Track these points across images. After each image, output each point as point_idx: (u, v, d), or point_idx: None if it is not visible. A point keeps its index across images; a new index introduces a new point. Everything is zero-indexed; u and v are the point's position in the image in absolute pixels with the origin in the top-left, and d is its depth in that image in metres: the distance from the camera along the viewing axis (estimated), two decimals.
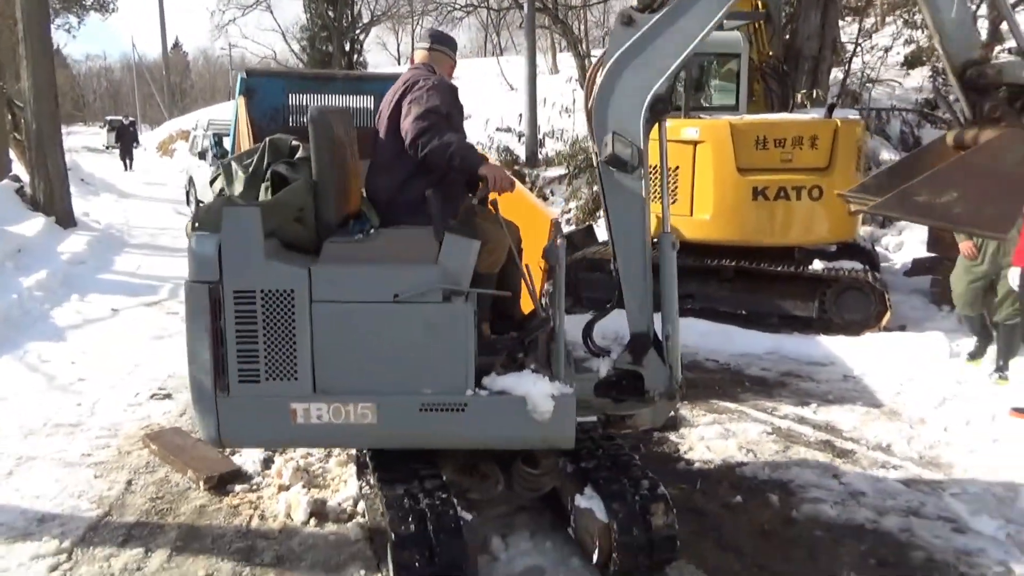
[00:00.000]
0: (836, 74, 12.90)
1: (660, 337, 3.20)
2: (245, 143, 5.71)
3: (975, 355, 5.78)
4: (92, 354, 6.54)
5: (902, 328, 6.95)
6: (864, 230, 10.13)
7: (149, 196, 19.35)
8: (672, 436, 4.64)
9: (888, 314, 6.94)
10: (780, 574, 3.18)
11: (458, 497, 3.20)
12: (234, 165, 3.28)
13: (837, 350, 6.38)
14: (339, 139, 3.21)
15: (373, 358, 3.00)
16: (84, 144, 35.29)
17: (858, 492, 3.86)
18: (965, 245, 5.64)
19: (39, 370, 6.11)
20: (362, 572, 3.21)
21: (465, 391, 2.97)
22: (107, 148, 35.09)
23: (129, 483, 4.09)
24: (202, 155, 15.41)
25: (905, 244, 9.73)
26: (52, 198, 11.64)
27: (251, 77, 6.43)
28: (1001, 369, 5.39)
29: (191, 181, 16.52)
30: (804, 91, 10.41)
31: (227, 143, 11.83)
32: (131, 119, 31.91)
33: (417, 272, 2.94)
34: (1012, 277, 4.96)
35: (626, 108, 2.98)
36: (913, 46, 15.67)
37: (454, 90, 3.30)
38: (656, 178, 3.36)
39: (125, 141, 26.42)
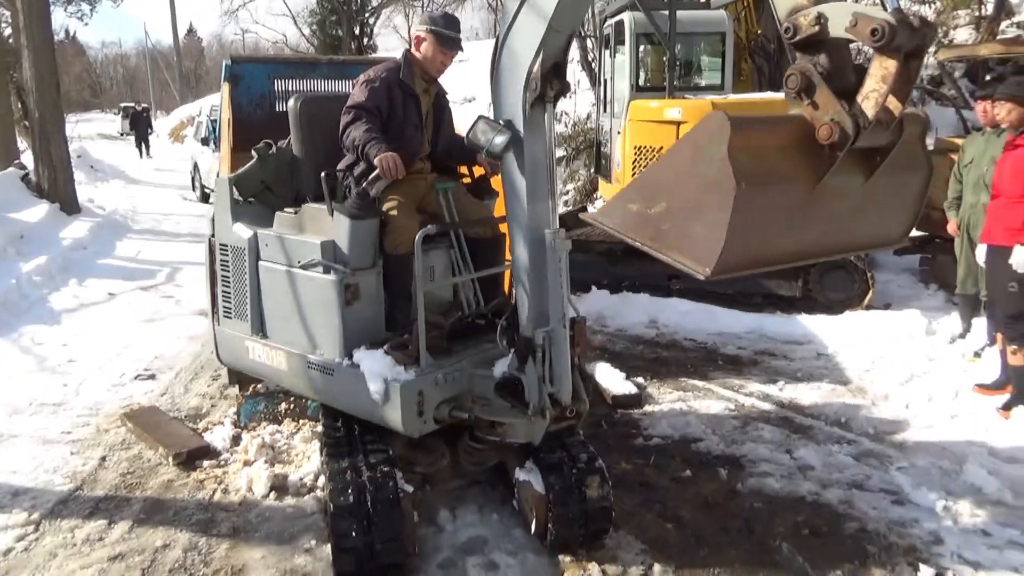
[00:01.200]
0: None
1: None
2: (226, 129, 5.83)
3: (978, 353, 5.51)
4: (84, 337, 6.72)
5: (887, 306, 6.96)
6: None
7: (158, 182, 19.60)
8: (635, 413, 4.73)
9: (871, 293, 6.95)
10: (715, 544, 3.26)
11: (406, 471, 3.30)
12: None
13: (816, 329, 6.41)
14: (318, 123, 3.63)
15: (287, 314, 3.49)
16: (99, 131, 35.71)
17: (807, 466, 3.93)
18: (951, 225, 5.67)
19: (31, 352, 6.29)
20: (313, 543, 3.34)
21: (335, 358, 3.26)
22: (122, 135, 35.48)
23: (103, 459, 4.25)
24: (205, 141, 15.58)
25: None
26: (56, 185, 11.86)
27: (236, 63, 6.51)
28: (962, 336, 5.44)
29: (196, 167, 16.72)
30: None
31: None
32: (144, 105, 31.72)
33: (310, 245, 3.30)
34: (979, 254, 4.97)
35: (507, 90, 2.78)
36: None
37: (385, 85, 3.42)
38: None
39: (140, 128, 26.28)
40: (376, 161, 3.22)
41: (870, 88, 1.95)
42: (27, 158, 12.97)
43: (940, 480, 3.73)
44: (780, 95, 7.40)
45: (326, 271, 3.24)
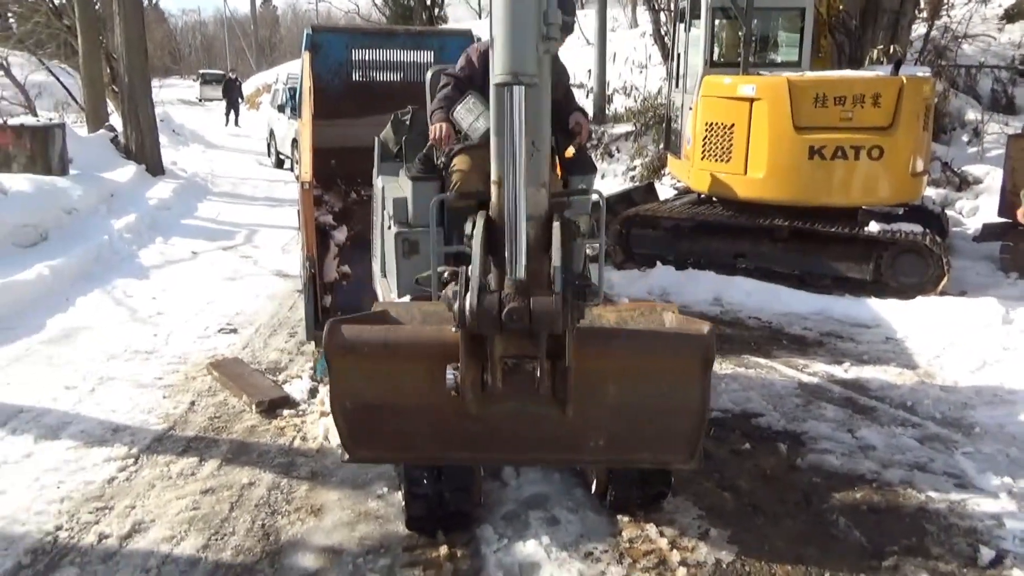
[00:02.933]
0: (921, 29, 12.25)
1: None
2: (307, 97, 6.06)
3: None
4: (171, 291, 7.13)
5: (962, 294, 6.78)
6: (938, 192, 9.75)
7: (235, 147, 20.29)
8: None
9: (946, 279, 6.78)
10: (772, 515, 3.33)
11: None
12: None
13: (885, 313, 6.31)
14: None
15: (389, 257, 3.91)
16: (178, 97, 36.93)
17: (868, 446, 3.94)
18: (1021, 211, 5.50)
19: (123, 304, 6.72)
20: (385, 489, 3.55)
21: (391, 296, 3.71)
22: (200, 100, 36.62)
23: (192, 404, 4.56)
24: (281, 108, 16.00)
25: (980, 208, 9.33)
26: (143, 147, 12.45)
27: (316, 33, 6.76)
28: None
29: (272, 133, 17.22)
30: (881, 47, 9.98)
31: None
32: (235, 73, 31.74)
33: (391, 200, 3.78)
34: None
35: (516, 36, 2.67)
36: None
37: (483, 58, 3.50)
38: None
39: (231, 96, 26.04)
40: (431, 129, 3.46)
41: (497, 352, 1.77)
42: (115, 121, 13.62)
43: (1007, 467, 3.70)
44: (860, 72, 7.26)
45: (391, 225, 3.65)
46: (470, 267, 1.62)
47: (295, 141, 14.97)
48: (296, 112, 14.56)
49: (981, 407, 4.45)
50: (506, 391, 1.66)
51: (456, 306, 1.58)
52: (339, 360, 1.75)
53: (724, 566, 2.96)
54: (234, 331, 6.01)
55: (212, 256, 8.74)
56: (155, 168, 12.54)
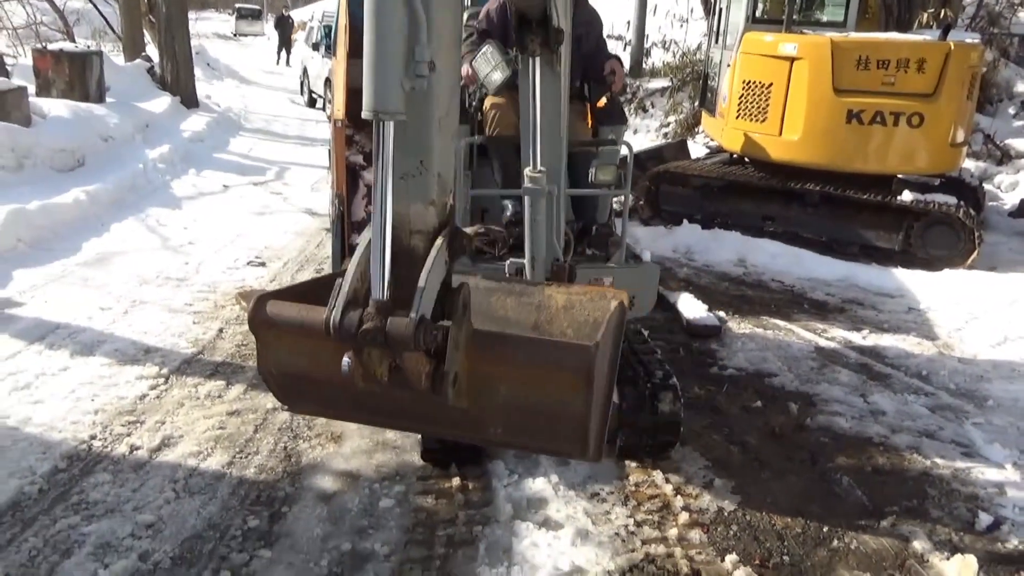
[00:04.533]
0: None
1: None
2: (342, 35, 6.05)
3: None
4: (202, 222, 7.28)
5: (992, 269, 6.69)
6: (977, 165, 9.55)
7: (268, 84, 20.29)
8: (713, 344, 4.84)
9: (976, 253, 6.69)
10: (777, 470, 3.41)
11: None
12: None
13: (911, 283, 6.27)
14: None
15: None
16: (214, 30, 36.80)
17: (879, 411, 3.98)
18: None
19: (156, 232, 6.88)
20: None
21: None
22: (235, 36, 36.45)
23: (220, 331, 4.71)
24: (315, 47, 15.92)
25: (1020, 184, 9.14)
26: (178, 79, 12.51)
27: None
28: None
29: (305, 71, 17.18)
30: (931, 11, 9.66)
31: None
32: (287, 10, 30.60)
33: None
34: None
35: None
36: None
37: (503, 10, 3.57)
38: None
39: (284, 33, 25.22)
40: (462, 70, 3.45)
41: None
42: (150, 52, 13.67)
43: (1016, 439, 3.73)
44: (906, 36, 7.06)
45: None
46: (343, 279, 1.70)
47: (328, 80, 14.92)
48: (331, 50, 14.55)
49: (997, 380, 4.46)
50: (391, 384, 1.75)
51: (323, 315, 1.68)
52: (262, 332, 1.88)
53: (726, 514, 3.05)
54: (262, 264, 6.15)
55: (243, 190, 8.87)
56: (189, 101, 12.62)
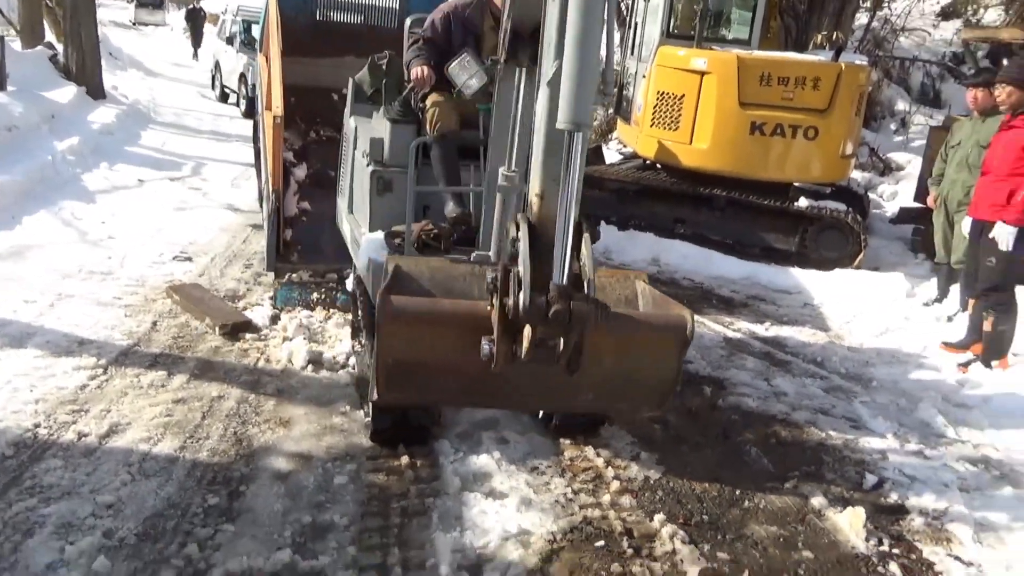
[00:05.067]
0: (864, 18, 12.87)
1: None
2: (274, 33, 6.11)
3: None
4: (120, 217, 7.12)
5: (876, 269, 7.40)
6: (863, 176, 10.44)
7: (175, 76, 19.61)
8: None
9: (862, 255, 7.40)
10: (694, 444, 3.78)
11: None
12: None
13: (806, 282, 6.87)
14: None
15: (358, 196, 4.07)
16: (111, 18, 35.02)
17: (781, 392, 4.44)
18: (930, 198, 6.13)
19: (72, 225, 6.70)
20: (347, 408, 3.84)
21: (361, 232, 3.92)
22: (134, 24, 34.82)
23: (154, 324, 4.71)
24: (230, 40, 15.59)
25: (900, 193, 10.05)
26: (84, 69, 12.01)
27: None
28: (938, 301, 5.95)
29: (217, 66, 16.75)
30: (825, 33, 10.50)
31: (256, 30, 12.04)
32: (198, 2, 28.84)
33: (368, 140, 3.89)
34: (964, 226, 5.39)
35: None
36: None
37: (447, 21, 3.84)
38: None
39: (196, 26, 24.03)
40: (412, 72, 3.71)
41: (526, 332, 2.06)
42: (49, 39, 13.03)
43: (896, 414, 4.25)
44: (803, 56, 7.70)
45: (369, 163, 3.80)
46: (520, 268, 1.98)
47: (243, 75, 14.65)
48: (250, 46, 14.27)
49: (880, 365, 5.02)
50: (530, 360, 2.06)
51: (510, 301, 1.98)
52: (389, 324, 2.11)
53: (651, 482, 3.38)
54: (189, 259, 6.11)
55: (159, 185, 8.68)
56: (96, 91, 12.13)
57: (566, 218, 1.97)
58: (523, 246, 2.00)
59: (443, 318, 2.19)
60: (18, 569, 2.50)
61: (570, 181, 1.95)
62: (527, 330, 2.04)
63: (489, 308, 2.12)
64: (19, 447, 3.21)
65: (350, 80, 4.54)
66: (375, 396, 2.37)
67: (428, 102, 3.83)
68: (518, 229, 2.07)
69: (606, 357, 2.18)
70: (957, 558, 3.00)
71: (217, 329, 4.63)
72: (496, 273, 2.08)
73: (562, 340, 2.02)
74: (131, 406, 3.64)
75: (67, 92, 11.24)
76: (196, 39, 24.03)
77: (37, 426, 3.38)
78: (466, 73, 3.02)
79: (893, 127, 12.31)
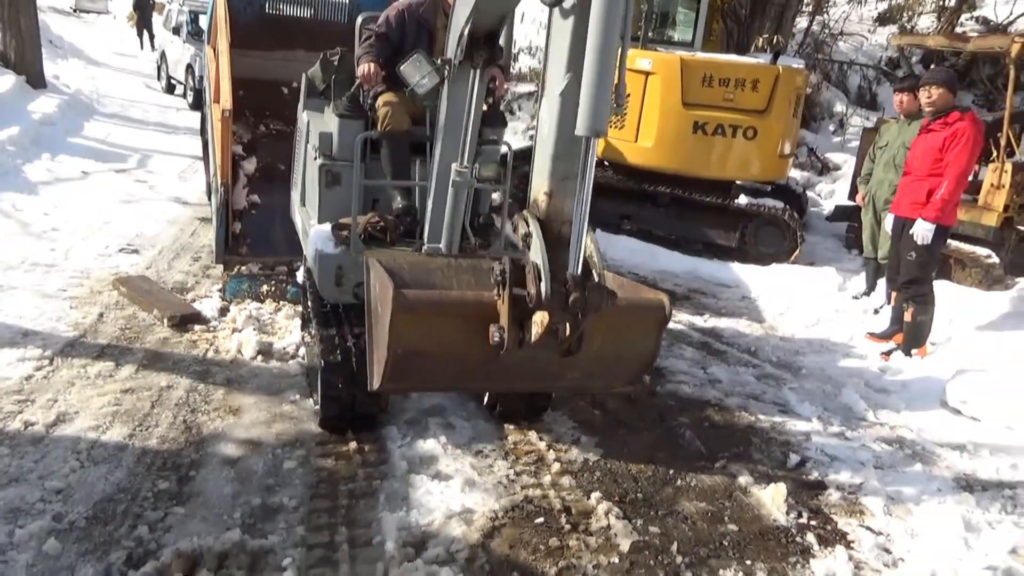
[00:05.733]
0: (804, 23, 13.32)
1: None
2: (222, 25, 6.10)
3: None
4: (63, 209, 7.01)
5: (811, 264, 7.73)
6: (801, 175, 10.85)
7: (119, 66, 19.11)
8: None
9: (798, 251, 7.73)
10: (633, 427, 3.97)
11: None
12: None
13: (744, 276, 7.16)
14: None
15: (309, 188, 4.12)
16: (49, 4, 33.85)
17: (716, 380, 4.67)
18: (859, 196, 6.47)
19: (13, 217, 6.58)
20: (297, 397, 3.92)
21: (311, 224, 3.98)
22: (75, 12, 33.72)
23: (101, 315, 4.70)
24: (176, 31, 15.30)
25: (836, 192, 10.48)
26: (23, 57, 11.67)
27: None
28: (866, 294, 6.29)
29: (163, 56, 16.42)
30: (766, 36, 10.86)
31: (203, 21, 11.87)
32: None
33: (317, 134, 3.96)
34: (887, 223, 5.71)
35: (452, 35, 3.04)
36: (887, 2, 16.08)
37: (401, 17, 3.92)
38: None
39: (145, 15, 22.83)
40: (360, 69, 3.81)
41: (536, 320, 2.21)
42: None
43: (821, 399, 4.51)
44: (743, 58, 7.99)
45: (317, 157, 3.89)
46: (538, 261, 2.14)
47: (189, 67, 14.41)
48: (195, 36, 14.05)
49: (810, 354, 5.30)
50: (536, 345, 2.22)
51: (532, 290, 2.14)
52: (401, 316, 2.23)
53: (591, 463, 3.56)
54: (135, 252, 6.07)
55: (104, 177, 8.54)
56: (36, 80, 11.80)
57: (582, 214, 2.12)
58: (538, 240, 2.15)
59: (452, 309, 2.35)
60: None
61: (586, 181, 2.09)
62: (538, 317, 2.20)
63: (496, 298, 2.27)
64: None
65: (303, 75, 4.59)
66: (375, 385, 2.46)
67: (380, 101, 3.91)
68: (527, 225, 2.20)
69: (596, 339, 2.34)
70: (868, 528, 3.25)
71: (166, 320, 4.65)
72: (503, 265, 2.23)
73: (568, 325, 2.17)
74: (78, 396, 3.67)
75: (5, 81, 10.92)
76: (147, 28, 23.20)
77: None
78: (419, 73, 3.14)
79: (831, 128, 12.80)
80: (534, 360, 2.39)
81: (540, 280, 2.12)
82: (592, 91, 1.97)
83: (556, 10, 2.12)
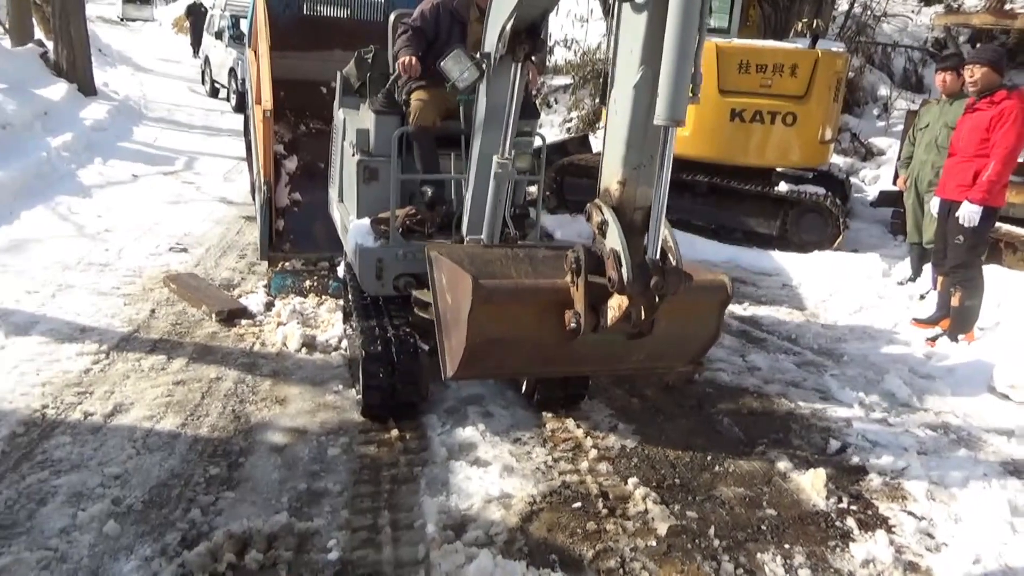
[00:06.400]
0: (844, 5, 13.04)
1: None
2: (262, 28, 6.26)
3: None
4: (115, 211, 7.28)
5: (854, 251, 7.60)
6: (844, 161, 10.64)
7: (164, 72, 19.65)
8: None
9: (841, 237, 7.60)
10: (670, 415, 3.98)
11: (423, 336, 3.97)
12: None
13: (786, 264, 7.08)
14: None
15: (347, 184, 4.23)
16: (98, 14, 34.93)
17: (755, 367, 4.64)
18: (900, 180, 6.33)
19: (69, 220, 6.86)
20: (340, 387, 4.03)
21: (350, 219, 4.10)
22: (122, 20, 34.70)
23: (153, 311, 4.89)
24: (219, 35, 15.67)
25: (881, 178, 10.27)
26: (75, 65, 12.10)
27: None
28: (911, 280, 6.17)
29: (207, 61, 16.84)
30: (805, 20, 10.67)
31: (244, 25, 12.14)
32: None
33: (355, 131, 4.09)
34: (932, 206, 5.59)
35: (491, 31, 3.10)
36: None
37: (436, 11, 3.99)
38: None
39: (198, 23, 22.47)
40: (398, 63, 3.86)
41: (612, 304, 2.26)
42: (39, 36, 13.09)
43: (863, 385, 4.45)
44: (781, 43, 7.88)
45: (355, 153, 3.98)
46: (618, 248, 2.17)
47: (232, 70, 14.76)
48: (238, 41, 14.37)
49: (852, 341, 5.23)
50: (611, 330, 2.29)
51: (613, 275, 2.18)
52: (480, 306, 2.30)
53: (628, 450, 3.58)
54: (184, 250, 6.28)
55: (153, 180, 8.83)
56: (87, 88, 12.23)
57: (661, 201, 2.17)
58: (615, 228, 2.19)
59: (527, 297, 2.40)
60: (34, 533, 2.69)
61: (665, 168, 2.13)
62: (614, 301, 2.25)
63: (571, 285, 2.34)
64: (29, 426, 3.39)
65: (338, 74, 4.69)
66: (449, 374, 2.50)
67: (412, 97, 4.00)
68: (602, 212, 2.25)
69: (663, 320, 2.38)
70: (911, 513, 3.22)
71: (214, 315, 4.81)
72: (577, 253, 2.29)
73: (644, 308, 2.23)
74: (133, 388, 3.83)
75: (58, 89, 11.35)
76: (196, 35, 23.71)
77: (45, 407, 3.56)
78: (459, 68, 3.20)
79: (876, 112, 12.50)
80: (603, 344, 2.45)
81: (621, 265, 2.16)
82: (671, 82, 1.99)
83: (627, 5, 2.13)
